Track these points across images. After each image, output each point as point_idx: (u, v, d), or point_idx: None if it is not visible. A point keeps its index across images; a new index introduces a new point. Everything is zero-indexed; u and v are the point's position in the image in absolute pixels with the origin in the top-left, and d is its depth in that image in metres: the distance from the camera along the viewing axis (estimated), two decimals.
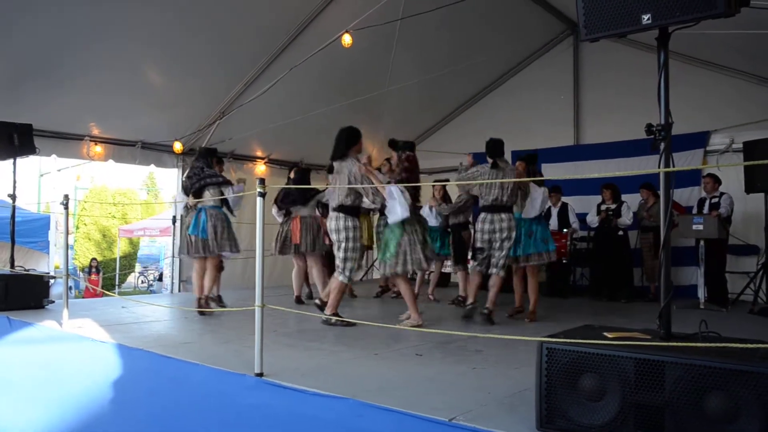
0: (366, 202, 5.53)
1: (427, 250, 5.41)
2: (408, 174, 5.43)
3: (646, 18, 2.44)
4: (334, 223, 5.29)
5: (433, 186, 7.64)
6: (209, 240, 6.03)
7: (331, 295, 5.40)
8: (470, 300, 5.70)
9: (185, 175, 6.48)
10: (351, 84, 8.82)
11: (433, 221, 7.04)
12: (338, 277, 5.32)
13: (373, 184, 5.18)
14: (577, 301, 7.95)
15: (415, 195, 5.44)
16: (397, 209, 5.14)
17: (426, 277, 7.82)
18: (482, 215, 5.60)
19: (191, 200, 6.14)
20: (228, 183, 6.39)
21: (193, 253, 6.15)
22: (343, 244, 5.24)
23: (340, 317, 5.20)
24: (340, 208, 5.29)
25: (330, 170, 5.48)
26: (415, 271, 5.77)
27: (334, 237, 5.32)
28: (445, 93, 10.33)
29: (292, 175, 7.52)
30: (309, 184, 7.31)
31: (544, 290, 8.44)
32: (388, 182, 5.42)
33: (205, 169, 6.21)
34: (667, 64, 2.54)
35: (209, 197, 6.12)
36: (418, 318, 5.25)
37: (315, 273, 6.90)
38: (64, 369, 4.58)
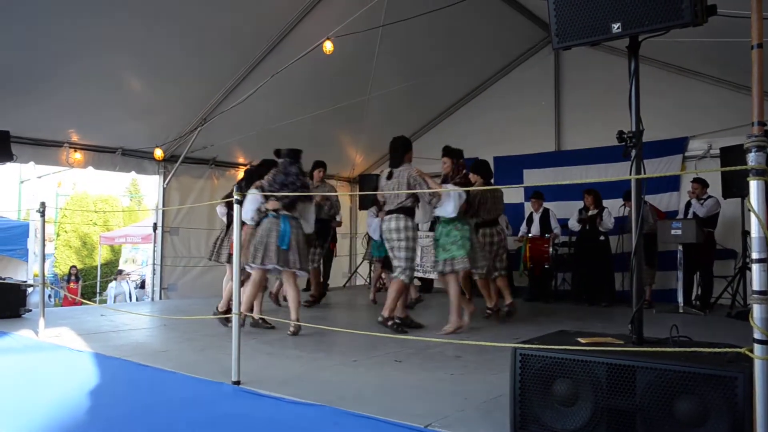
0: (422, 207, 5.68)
1: (477, 253, 5.62)
2: (465, 179, 5.72)
3: (616, 27, 2.48)
4: (394, 223, 5.38)
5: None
6: (290, 253, 5.39)
7: (390, 297, 5.39)
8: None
9: (272, 177, 5.52)
10: (333, 90, 8.83)
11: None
12: (400, 277, 5.36)
13: (428, 186, 5.35)
14: (559, 306, 8.00)
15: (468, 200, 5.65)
16: (449, 207, 5.35)
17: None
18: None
19: (271, 204, 5.43)
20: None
21: (265, 263, 5.33)
22: (403, 243, 5.34)
23: (398, 320, 5.36)
24: (401, 210, 5.40)
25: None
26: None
27: (394, 236, 5.38)
28: (427, 99, 10.37)
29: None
30: None
31: (525, 295, 8.53)
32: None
33: (299, 177, 5.58)
34: (637, 72, 2.58)
35: (299, 208, 5.60)
36: (458, 321, 5.36)
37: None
38: (39, 378, 4.52)
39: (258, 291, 5.59)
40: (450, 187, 5.54)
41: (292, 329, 5.26)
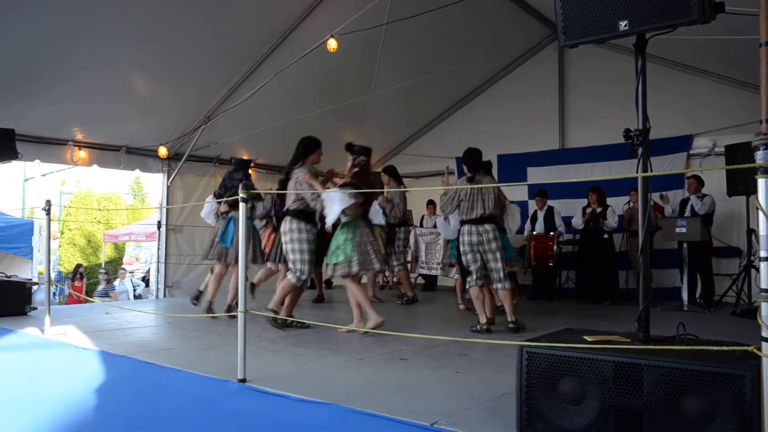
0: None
1: (378, 254, 5.48)
2: (356, 178, 5.38)
3: (623, 24, 2.48)
4: (285, 225, 5.48)
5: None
6: (231, 250, 6.06)
7: (277, 293, 5.52)
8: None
9: (220, 184, 6.54)
10: (337, 88, 8.83)
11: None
12: (291, 279, 5.40)
13: (314, 189, 5.30)
14: (563, 304, 7.99)
15: (366, 200, 5.45)
16: (331, 212, 5.12)
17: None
18: (467, 228, 5.54)
19: (223, 207, 6.24)
20: (260, 198, 6.57)
21: (214, 257, 6.25)
22: (289, 246, 5.41)
23: (293, 318, 5.33)
24: (287, 212, 5.51)
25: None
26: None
27: (284, 238, 5.48)
28: (431, 97, 10.36)
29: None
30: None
31: (530, 293, 8.52)
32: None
33: (244, 182, 6.06)
34: (644, 70, 2.56)
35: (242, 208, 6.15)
36: (377, 317, 5.20)
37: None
38: (45, 376, 4.54)
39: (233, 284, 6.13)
40: (332, 190, 5.23)
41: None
